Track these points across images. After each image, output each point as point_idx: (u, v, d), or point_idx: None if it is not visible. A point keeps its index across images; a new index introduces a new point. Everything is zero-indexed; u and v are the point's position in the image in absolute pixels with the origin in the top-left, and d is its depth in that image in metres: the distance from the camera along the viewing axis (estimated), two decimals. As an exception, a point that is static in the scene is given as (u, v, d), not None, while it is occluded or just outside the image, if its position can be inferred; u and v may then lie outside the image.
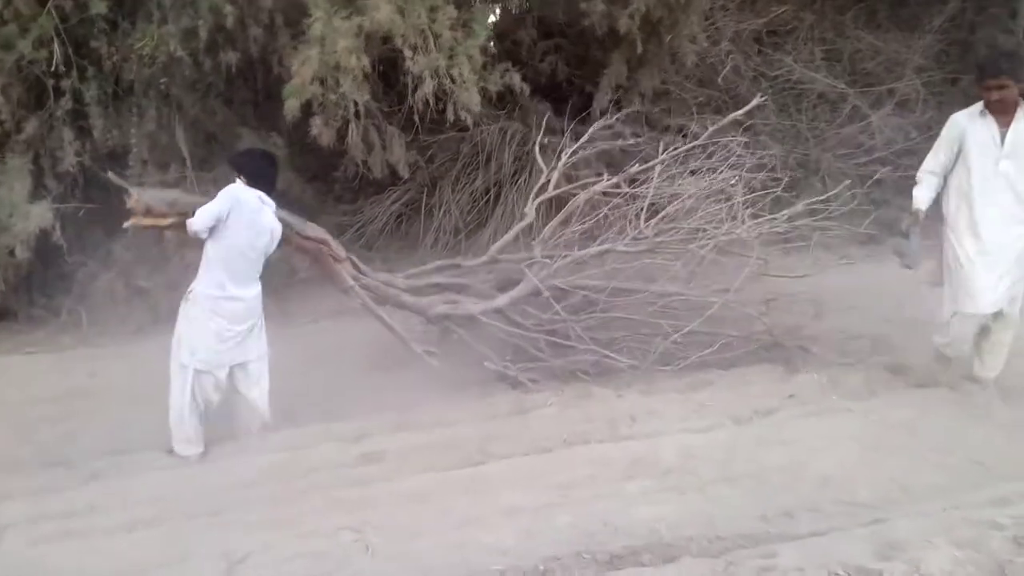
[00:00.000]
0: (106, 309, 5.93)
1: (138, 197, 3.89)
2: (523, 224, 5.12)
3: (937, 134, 8.21)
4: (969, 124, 4.11)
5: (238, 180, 3.96)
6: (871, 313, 5.59)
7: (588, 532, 3.22)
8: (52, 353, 5.55)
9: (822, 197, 5.18)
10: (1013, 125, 3.99)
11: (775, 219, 4.87)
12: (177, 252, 6.09)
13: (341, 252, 4.51)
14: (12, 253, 5.36)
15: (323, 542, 3.24)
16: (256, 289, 4.05)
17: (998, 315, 4.16)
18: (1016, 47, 7.76)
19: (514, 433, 4.05)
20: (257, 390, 4.12)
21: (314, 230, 4.42)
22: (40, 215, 5.23)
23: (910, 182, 8.05)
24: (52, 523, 3.42)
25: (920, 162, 8.28)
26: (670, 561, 2.90)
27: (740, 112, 5.45)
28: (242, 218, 3.84)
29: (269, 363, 4.17)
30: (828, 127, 8.36)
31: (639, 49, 6.96)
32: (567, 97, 7.70)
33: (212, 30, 5.81)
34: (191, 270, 5.95)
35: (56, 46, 5.48)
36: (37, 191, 5.51)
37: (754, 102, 5.50)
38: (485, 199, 7.61)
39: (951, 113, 8.34)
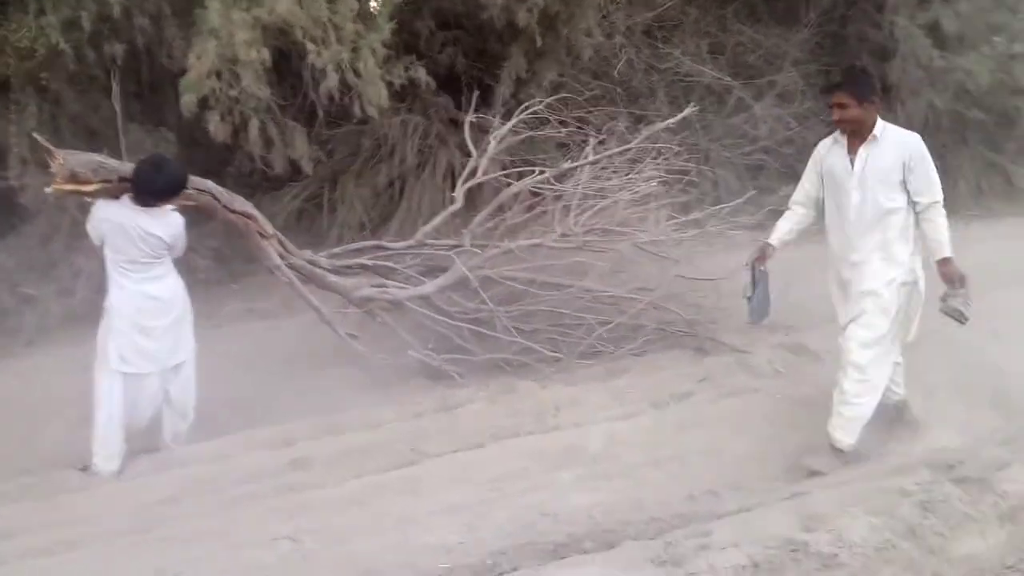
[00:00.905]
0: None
1: (63, 161, 3.67)
2: (452, 209, 5.14)
3: (813, 123, 8.77)
4: (828, 151, 3.71)
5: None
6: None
7: (527, 524, 3.30)
8: (-68, 369, 5.15)
9: (735, 202, 5.51)
10: (862, 150, 3.54)
11: (683, 220, 5.14)
12: (65, 258, 5.77)
13: (268, 228, 4.43)
14: None
15: (260, 552, 3.18)
16: (167, 284, 3.92)
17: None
18: (884, 41, 8.32)
19: (443, 430, 4.07)
20: (189, 393, 4.01)
21: (241, 204, 4.31)
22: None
23: (790, 170, 8.62)
24: (-37, 552, 3.21)
25: (798, 151, 8.84)
26: (612, 547, 3.01)
27: (673, 120, 5.75)
28: (118, 233, 3.74)
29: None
30: (715, 118, 8.72)
31: (538, 43, 7.03)
32: (466, 89, 7.71)
33: (95, 20, 5.50)
34: (82, 276, 5.68)
35: (-79, 39, 5.06)
36: (-91, 197, 5.09)
37: (687, 111, 5.84)
38: (389, 193, 7.53)
39: (826, 104, 8.96)
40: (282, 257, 4.43)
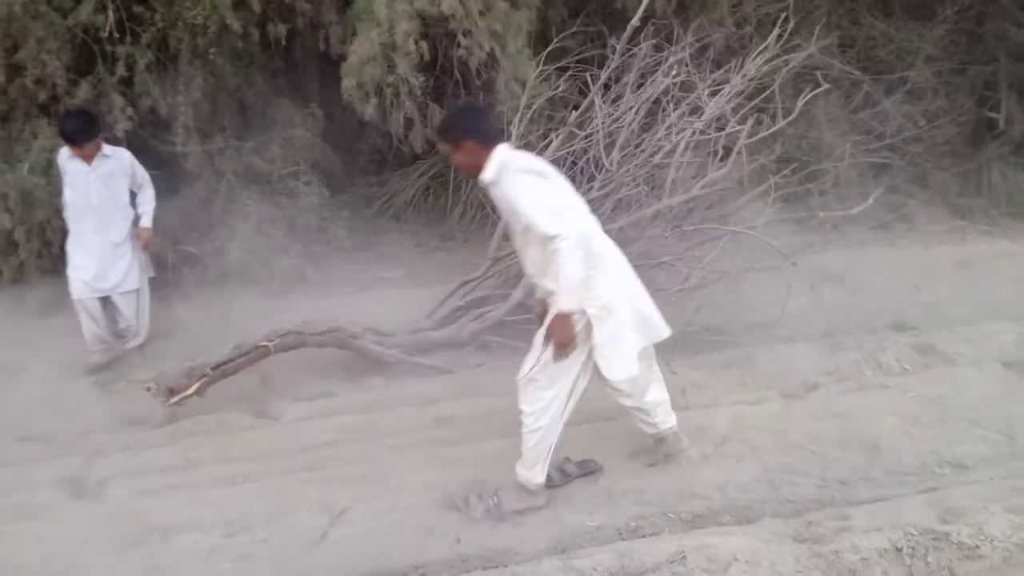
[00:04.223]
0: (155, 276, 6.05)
1: (157, 386, 4.08)
2: None
3: (945, 123, 8.53)
4: None
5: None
6: (891, 295, 5.91)
7: (663, 494, 3.47)
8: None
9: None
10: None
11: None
12: (222, 219, 6.23)
13: (356, 328, 4.68)
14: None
15: (415, 498, 3.45)
16: None
17: None
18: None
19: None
20: None
21: (323, 323, 4.62)
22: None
23: (917, 169, 8.44)
24: (152, 477, 3.62)
25: (927, 150, 8.60)
26: (750, 522, 3.16)
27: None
28: None
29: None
30: (841, 112, 8.60)
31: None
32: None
33: (264, 2, 5.91)
34: (237, 237, 6.11)
35: (110, 12, 5.54)
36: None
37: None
38: (511, 172, 7.76)
39: (960, 102, 8.70)
40: (380, 344, 4.67)
